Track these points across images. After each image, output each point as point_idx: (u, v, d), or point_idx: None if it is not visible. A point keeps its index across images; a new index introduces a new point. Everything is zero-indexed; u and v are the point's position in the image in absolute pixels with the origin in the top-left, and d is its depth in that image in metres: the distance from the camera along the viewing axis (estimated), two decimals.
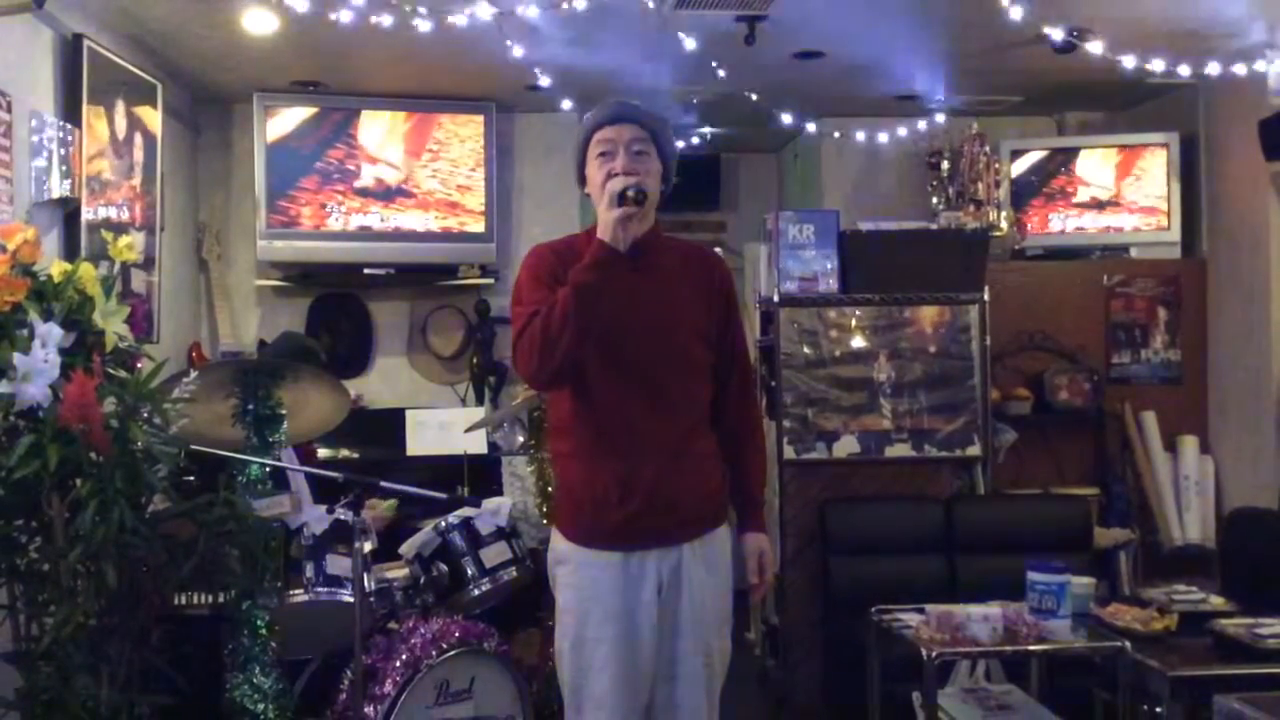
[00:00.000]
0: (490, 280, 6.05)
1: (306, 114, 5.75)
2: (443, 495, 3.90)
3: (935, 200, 5.78)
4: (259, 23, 4.40)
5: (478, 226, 5.96)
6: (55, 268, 2.71)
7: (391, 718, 3.38)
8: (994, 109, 6.04)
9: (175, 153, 5.47)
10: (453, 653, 3.51)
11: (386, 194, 5.86)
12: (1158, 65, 4.71)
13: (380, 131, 5.84)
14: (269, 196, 5.69)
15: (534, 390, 4.04)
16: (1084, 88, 5.69)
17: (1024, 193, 5.91)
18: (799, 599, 4.89)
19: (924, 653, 3.34)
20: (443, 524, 3.94)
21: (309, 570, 3.54)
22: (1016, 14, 4.19)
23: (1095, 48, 4.57)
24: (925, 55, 5.22)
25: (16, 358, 2.49)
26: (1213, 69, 4.79)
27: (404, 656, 3.49)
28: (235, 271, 6.00)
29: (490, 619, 3.87)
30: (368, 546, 3.58)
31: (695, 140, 6.67)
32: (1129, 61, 4.64)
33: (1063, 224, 5.90)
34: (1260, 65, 4.72)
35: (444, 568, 3.88)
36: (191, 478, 3.23)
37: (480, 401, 5.99)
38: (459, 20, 4.12)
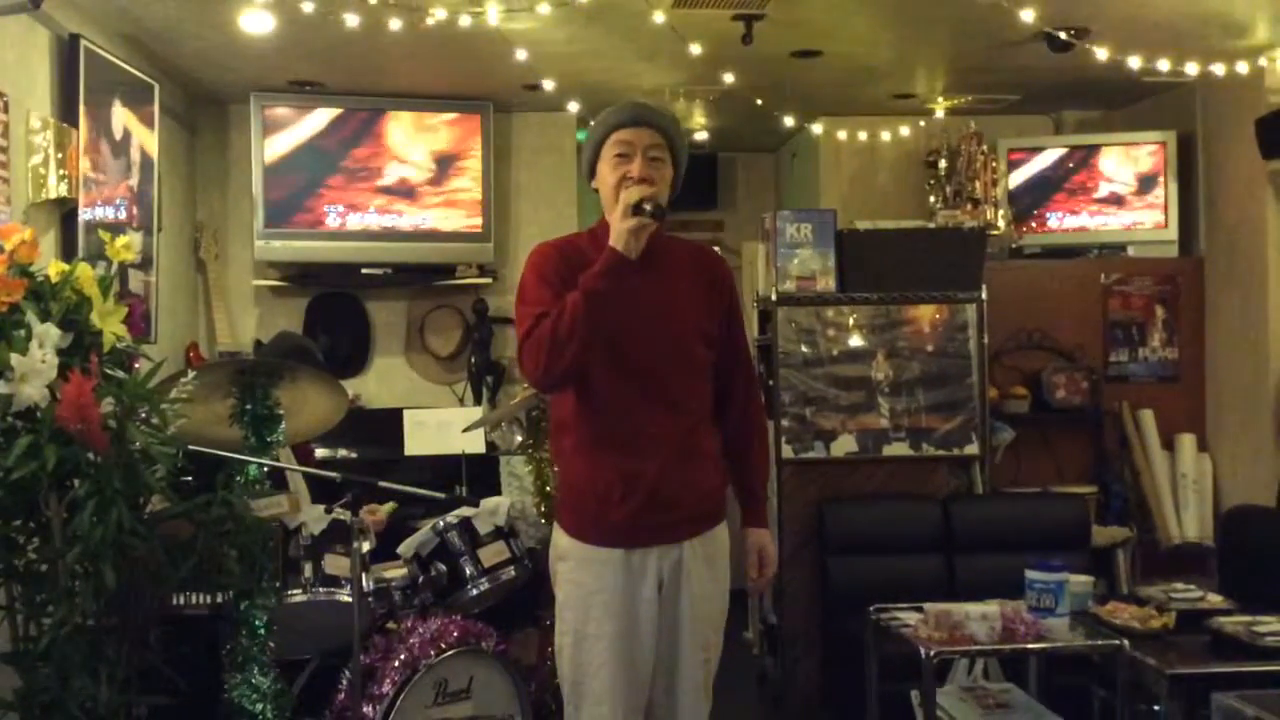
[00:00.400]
0: (488, 280, 6.05)
1: (305, 114, 5.74)
2: (441, 495, 3.89)
3: (933, 199, 5.79)
4: (256, 23, 4.40)
5: (475, 226, 5.96)
6: (52, 268, 2.70)
7: (390, 717, 3.38)
8: (991, 108, 6.04)
9: (172, 152, 5.46)
10: (451, 652, 3.51)
11: (385, 193, 5.86)
12: (1155, 64, 4.71)
13: (379, 131, 5.84)
14: (266, 197, 5.69)
15: (536, 390, 4.03)
16: (1081, 86, 5.69)
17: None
18: (797, 598, 4.90)
19: (922, 651, 3.34)
20: (441, 524, 3.93)
21: (307, 570, 3.52)
22: (1015, 13, 4.18)
23: (1093, 47, 4.57)
24: (923, 54, 5.22)
25: (14, 358, 2.48)
26: (1210, 67, 4.79)
27: (402, 656, 3.49)
28: (233, 271, 6.00)
29: (489, 619, 3.86)
30: (366, 546, 3.58)
31: (693, 139, 6.67)
32: (1126, 60, 4.64)
33: (1059, 223, 5.91)
34: (1262, 62, 4.71)
35: (442, 567, 3.87)
36: (189, 478, 3.21)
37: (478, 401, 5.99)
38: (457, 20, 4.12)
